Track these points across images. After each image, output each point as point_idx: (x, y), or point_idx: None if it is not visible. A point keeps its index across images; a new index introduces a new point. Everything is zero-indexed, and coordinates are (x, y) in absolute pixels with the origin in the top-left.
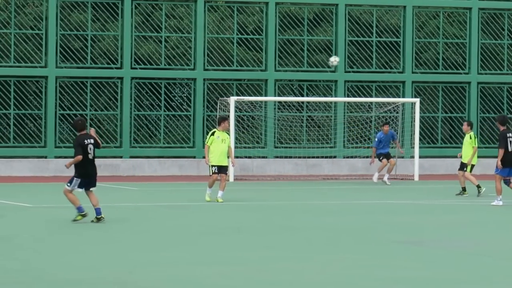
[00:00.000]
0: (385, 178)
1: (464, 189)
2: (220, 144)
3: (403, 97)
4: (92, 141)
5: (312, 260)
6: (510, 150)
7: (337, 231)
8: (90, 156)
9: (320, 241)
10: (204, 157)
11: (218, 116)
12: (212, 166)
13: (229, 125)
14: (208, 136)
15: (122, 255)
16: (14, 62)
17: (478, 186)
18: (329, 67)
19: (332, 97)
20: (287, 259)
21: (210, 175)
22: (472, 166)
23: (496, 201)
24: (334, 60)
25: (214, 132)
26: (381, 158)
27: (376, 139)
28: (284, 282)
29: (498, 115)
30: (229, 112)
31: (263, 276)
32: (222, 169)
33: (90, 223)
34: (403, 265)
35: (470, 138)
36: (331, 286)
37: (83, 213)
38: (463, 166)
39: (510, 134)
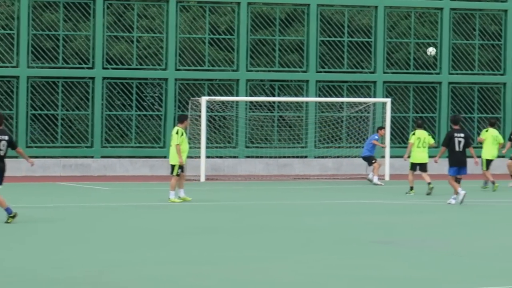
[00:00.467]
0: (371, 176)
1: (429, 186)
2: (187, 143)
3: (374, 97)
4: (6, 138)
5: (287, 260)
6: (457, 150)
7: (310, 231)
8: (2, 153)
9: (294, 241)
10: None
11: (179, 115)
12: (179, 166)
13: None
14: (178, 136)
15: (93, 255)
16: None
17: (411, 188)
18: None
19: (303, 97)
20: (262, 259)
21: (175, 176)
22: (413, 164)
23: (451, 199)
24: (432, 50)
25: (183, 132)
26: (373, 162)
27: (377, 137)
28: (259, 282)
29: (451, 115)
30: (200, 112)
31: (238, 276)
32: (183, 168)
33: (60, 223)
34: (378, 264)
35: None
36: (306, 286)
37: (11, 215)
38: (421, 167)
39: (460, 134)
